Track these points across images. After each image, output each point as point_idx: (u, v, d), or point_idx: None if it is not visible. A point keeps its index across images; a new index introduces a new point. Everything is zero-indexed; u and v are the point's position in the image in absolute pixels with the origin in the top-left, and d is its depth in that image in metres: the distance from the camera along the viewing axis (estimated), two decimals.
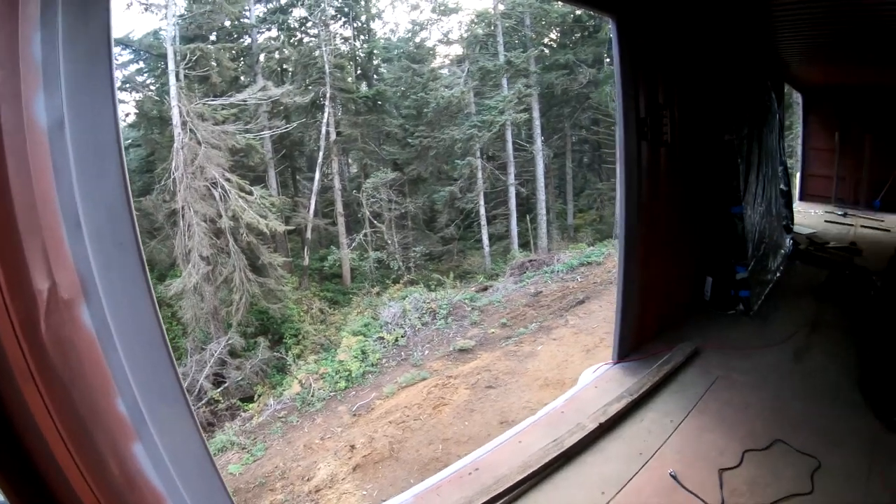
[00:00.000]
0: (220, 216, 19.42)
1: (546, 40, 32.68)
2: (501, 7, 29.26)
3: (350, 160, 32.54)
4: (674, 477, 4.00)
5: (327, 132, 27.13)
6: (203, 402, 15.67)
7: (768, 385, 5.45)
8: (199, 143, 19.29)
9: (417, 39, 33.65)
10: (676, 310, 7.09)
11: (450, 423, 9.78)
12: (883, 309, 6.86)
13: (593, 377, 5.67)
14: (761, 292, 7.76)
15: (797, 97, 18.08)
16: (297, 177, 31.65)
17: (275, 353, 19.04)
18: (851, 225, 13.69)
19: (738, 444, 4.39)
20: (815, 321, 7.11)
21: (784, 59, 10.91)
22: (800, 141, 18.04)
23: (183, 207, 18.94)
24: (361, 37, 32.24)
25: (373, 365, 13.92)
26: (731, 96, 7.50)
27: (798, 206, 14.95)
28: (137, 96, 24.24)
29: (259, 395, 16.19)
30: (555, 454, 4.11)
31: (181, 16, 22.76)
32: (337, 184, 28.21)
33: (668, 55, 6.35)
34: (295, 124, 26.38)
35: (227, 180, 19.61)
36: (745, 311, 7.27)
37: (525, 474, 3.92)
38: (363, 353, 14.53)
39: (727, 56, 7.69)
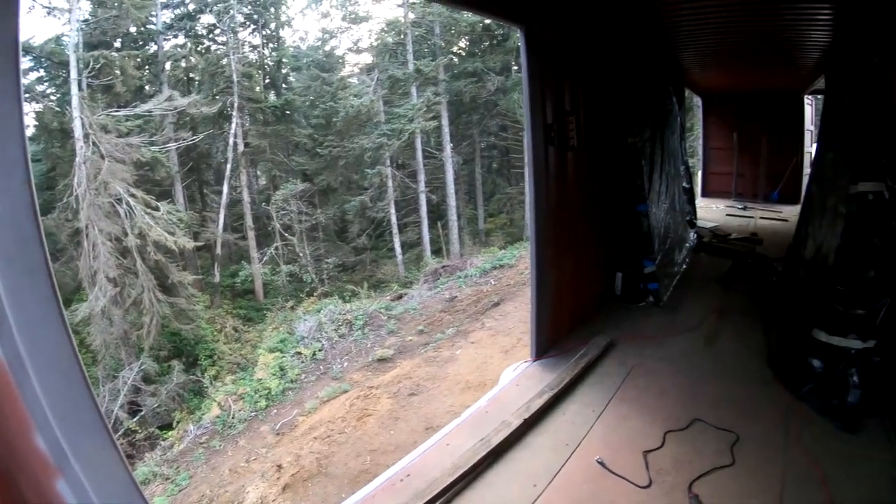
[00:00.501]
0: (126, 234, 18.46)
1: (455, 49, 32.82)
2: (412, 16, 29.28)
3: (259, 172, 31.66)
4: (601, 463, 4.09)
5: (235, 143, 26.36)
6: (120, 433, 14.83)
7: (683, 370, 5.68)
8: (102, 156, 18.31)
9: (327, 48, 33.23)
10: (590, 306, 7.35)
11: (375, 433, 9.71)
12: (784, 292, 7.20)
13: (514, 375, 5.71)
14: (669, 284, 8.12)
15: (697, 101, 18.89)
16: (205, 190, 30.35)
17: (191, 376, 18.21)
18: (751, 217, 14.38)
19: (659, 427, 4.53)
20: (723, 307, 7.50)
21: (684, 65, 11.46)
22: (700, 141, 18.95)
23: (87, 226, 17.86)
24: (270, 45, 31.48)
25: (292, 381, 13.73)
26: (635, 101, 7.84)
27: (701, 202, 15.71)
28: (37, 107, 22.56)
29: (178, 422, 15.39)
30: (483, 453, 4.11)
31: (85, 21, 21.40)
32: (246, 196, 27.42)
33: (575, 63, 6.59)
34: (202, 136, 25.49)
35: (133, 196, 18.67)
36: (656, 303, 7.61)
37: (456, 475, 3.91)
38: (281, 369, 14.29)
39: (630, 64, 8.04)
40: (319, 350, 14.88)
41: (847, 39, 7.56)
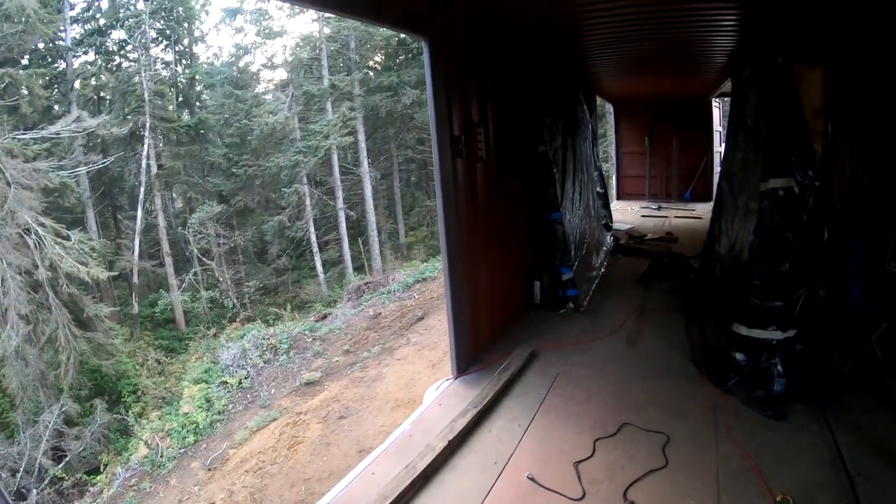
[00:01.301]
0: (37, 267, 17.19)
1: (371, 63, 32.77)
2: (327, 30, 29.02)
3: (174, 194, 30.69)
4: (532, 479, 4.01)
5: (148, 165, 25.53)
6: (46, 482, 13.95)
7: (607, 373, 5.72)
8: (8, 183, 16.98)
9: (241, 64, 32.32)
10: (510, 316, 7.38)
11: (308, 461, 9.51)
12: (702, 288, 7.47)
13: (436, 395, 5.59)
14: (589, 288, 8.25)
15: (609, 108, 19.38)
16: (119, 216, 29.18)
17: (115, 415, 17.21)
18: (666, 217, 14.84)
19: (588, 436, 4.50)
20: (643, 307, 7.70)
21: (594, 74, 11.67)
22: (614, 147, 19.56)
23: None
24: (183, 61, 30.68)
25: (220, 412, 13.34)
26: (544, 110, 7.84)
27: (616, 205, 16.10)
28: None
29: (105, 465, 14.61)
30: (410, 480, 3.96)
31: None
32: (161, 221, 26.41)
33: (482, 74, 6.60)
34: (113, 158, 24.46)
35: (42, 225, 17.41)
36: (576, 308, 7.69)
37: None
38: (208, 401, 13.86)
39: (540, 73, 8.00)
40: (245, 378, 14.50)
41: (752, 43, 7.89)
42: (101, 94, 27.20)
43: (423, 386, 8.08)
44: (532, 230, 8.18)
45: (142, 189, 25.80)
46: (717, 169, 18.07)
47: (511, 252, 7.56)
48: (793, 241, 4.88)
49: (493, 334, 6.73)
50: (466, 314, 5.98)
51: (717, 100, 17.49)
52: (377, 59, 33.38)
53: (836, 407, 4.67)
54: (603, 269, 9.34)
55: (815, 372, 4.97)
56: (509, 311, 7.37)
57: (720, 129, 17.62)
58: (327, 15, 28.14)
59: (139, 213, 25.79)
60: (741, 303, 5.26)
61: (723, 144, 8.75)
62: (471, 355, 6.09)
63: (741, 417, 4.66)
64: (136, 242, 25.52)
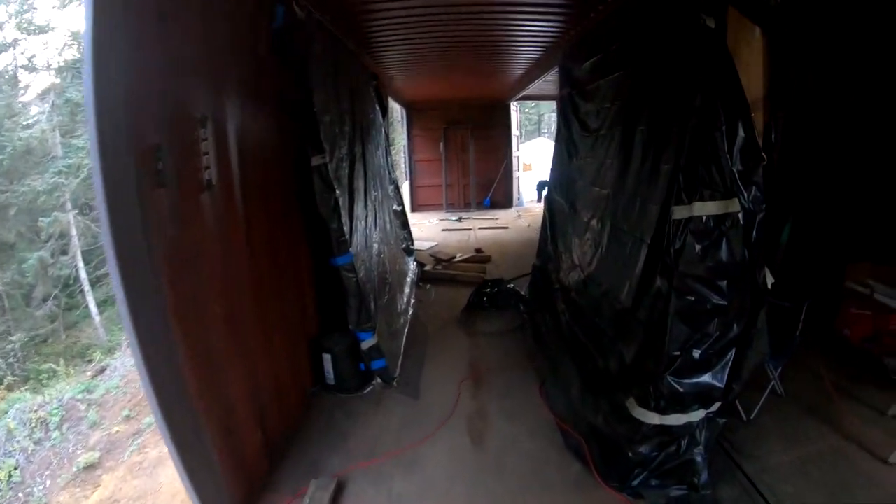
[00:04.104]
0: None
1: None
2: None
3: None
4: None
5: None
6: None
7: (455, 495, 4.00)
8: None
9: None
10: (293, 414, 5.01)
11: None
12: (541, 327, 6.24)
13: None
14: (399, 346, 6.31)
15: (399, 113, 18.71)
16: None
17: None
18: (469, 229, 14.06)
19: None
20: (475, 367, 6.01)
21: (386, 70, 10.49)
22: (405, 154, 18.88)
23: None
24: None
25: None
26: (322, 104, 5.32)
27: (412, 218, 15.02)
28: None
29: None
30: None
31: None
32: None
33: (215, 40, 4.01)
34: None
35: None
36: (387, 384, 5.61)
37: None
38: None
39: (318, 48, 5.49)
40: (15, 469, 11.78)
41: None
42: None
43: None
44: (313, 283, 5.79)
45: None
46: (517, 174, 18.14)
47: (283, 317, 4.96)
48: (726, 290, 3.54)
49: (269, 455, 4.32)
50: (210, 441, 3.47)
51: (517, 103, 17.69)
52: None
53: (754, 463, 3.95)
54: (412, 310, 7.69)
55: (726, 435, 4.12)
56: (291, 406, 4.98)
57: (517, 132, 17.77)
58: None
59: None
60: (636, 375, 3.91)
61: (554, 148, 7.53)
62: (236, 500, 3.74)
63: None
64: None
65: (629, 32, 5.09)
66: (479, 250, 11.25)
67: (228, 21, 4.13)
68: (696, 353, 3.58)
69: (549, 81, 11.39)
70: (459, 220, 15.56)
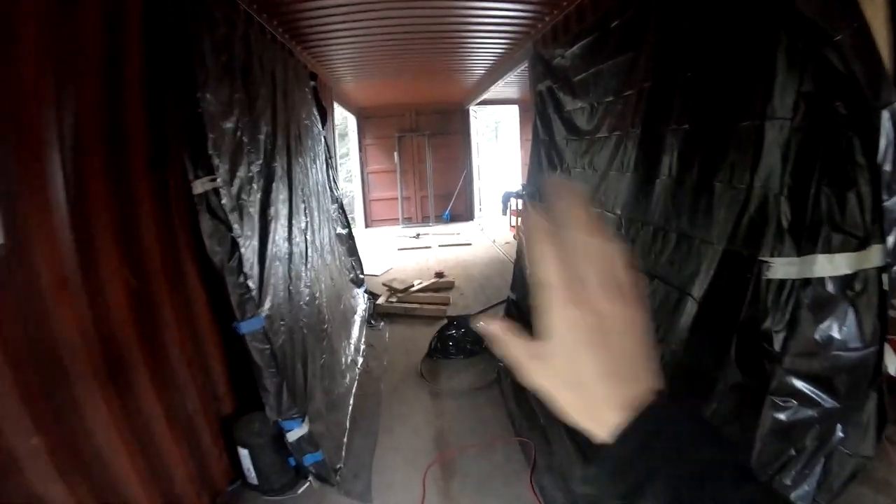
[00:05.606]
0: None
1: None
2: None
3: None
4: None
5: None
6: None
7: None
8: None
9: None
10: None
11: None
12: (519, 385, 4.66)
13: None
14: (343, 420, 4.67)
15: (350, 123, 17.16)
16: None
17: None
18: (428, 247, 12.62)
19: None
20: (443, 446, 4.42)
21: (331, 69, 9.34)
22: (357, 166, 17.24)
23: None
24: None
25: None
26: (216, 100, 3.60)
27: (365, 236, 14.03)
28: None
29: None
30: None
31: None
32: None
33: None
34: None
35: None
36: (326, 481, 3.87)
37: None
38: None
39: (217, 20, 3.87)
40: None
41: None
42: None
43: None
44: (229, 346, 3.97)
45: None
46: (478, 183, 17.00)
47: (170, 406, 3.25)
48: (845, 388, 2.18)
49: None
50: None
51: (475, 108, 16.24)
52: None
53: None
54: (361, 360, 6.05)
55: None
56: None
57: (477, 139, 16.62)
58: None
59: None
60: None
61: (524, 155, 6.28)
62: None
63: None
64: None
65: None
66: (439, 274, 9.64)
67: None
68: (787, 480, 2.23)
69: (511, 83, 10.60)
70: (417, 236, 14.15)
